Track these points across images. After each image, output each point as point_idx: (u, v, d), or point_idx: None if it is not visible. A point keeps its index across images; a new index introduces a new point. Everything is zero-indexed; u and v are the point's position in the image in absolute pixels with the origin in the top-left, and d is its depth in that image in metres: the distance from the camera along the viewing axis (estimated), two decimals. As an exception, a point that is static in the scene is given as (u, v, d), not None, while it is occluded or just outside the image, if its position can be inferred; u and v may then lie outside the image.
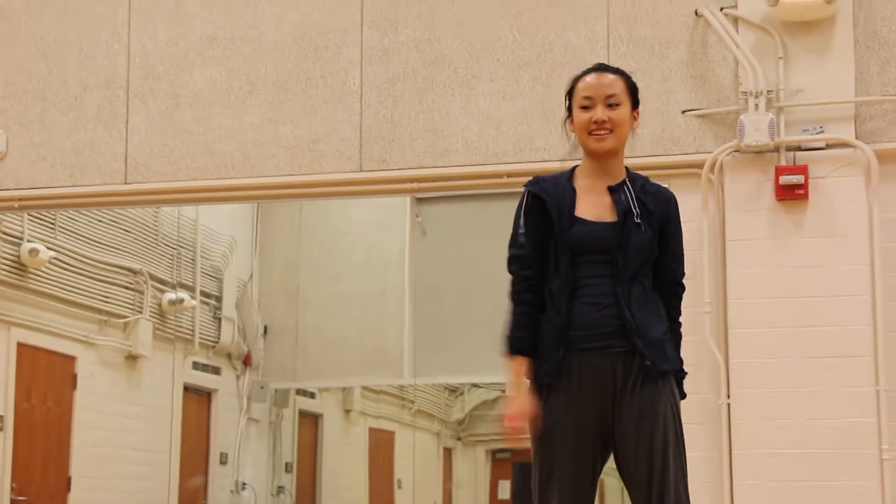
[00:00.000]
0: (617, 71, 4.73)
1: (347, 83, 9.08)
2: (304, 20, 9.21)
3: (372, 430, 16.68)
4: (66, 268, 12.21)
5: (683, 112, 8.59)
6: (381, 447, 16.87)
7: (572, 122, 4.65)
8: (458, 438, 17.08)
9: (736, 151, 8.41)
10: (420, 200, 11.73)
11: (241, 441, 14.90)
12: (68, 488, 12.23)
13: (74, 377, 12.40)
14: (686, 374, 4.59)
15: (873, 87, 8.36)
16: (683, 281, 4.67)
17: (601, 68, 4.70)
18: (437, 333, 12.76)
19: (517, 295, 4.62)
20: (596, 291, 4.49)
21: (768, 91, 8.35)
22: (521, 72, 8.86)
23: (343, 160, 9.03)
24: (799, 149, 8.32)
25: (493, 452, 16.79)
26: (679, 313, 4.67)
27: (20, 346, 11.59)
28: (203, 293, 14.35)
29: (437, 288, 12.48)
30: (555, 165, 8.40)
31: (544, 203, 4.56)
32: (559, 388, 4.46)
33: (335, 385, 15.63)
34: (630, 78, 4.73)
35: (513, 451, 16.41)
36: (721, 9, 8.53)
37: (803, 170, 8.28)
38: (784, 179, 8.23)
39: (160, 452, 13.55)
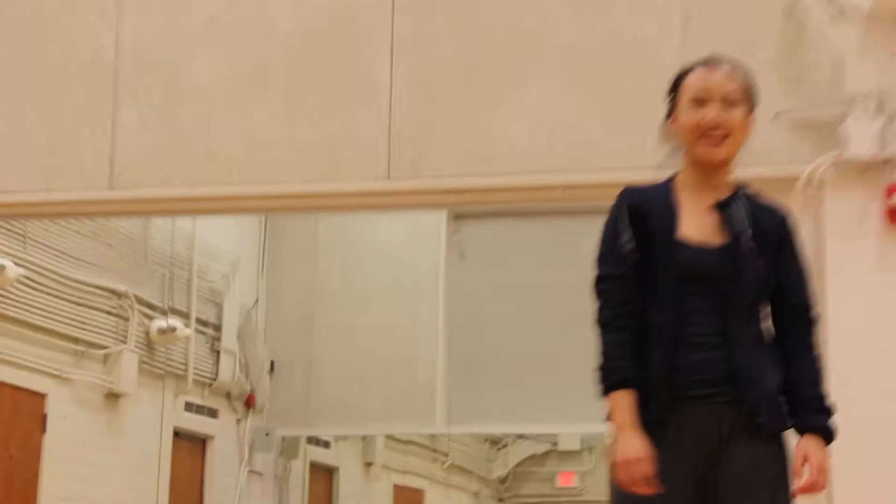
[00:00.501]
0: (736, 66, 4.62)
1: (374, 77, 9.13)
2: (324, 3, 9.27)
3: (397, 488, 16.74)
4: (38, 288, 12.29)
5: (775, 116, 8.60)
6: (408, 508, 16.95)
7: (674, 123, 4.59)
8: (501, 500, 17.15)
9: (838, 164, 8.41)
10: (458, 217, 11.76)
11: (241, 498, 14.94)
12: (34, 551, 12.29)
13: (44, 418, 12.46)
14: (829, 428, 4.56)
15: None
16: (813, 310, 4.61)
17: (716, 61, 4.59)
18: (475, 374, 12.78)
19: (614, 319, 4.48)
20: (700, 330, 4.42)
21: (879, 92, 8.35)
22: (579, 68, 8.89)
23: (368, 167, 9.08)
24: (913, 163, 8.32)
25: (543, 517, 16.83)
26: (815, 343, 4.60)
27: (-17, 381, 11.73)
28: (199, 321, 14.43)
29: (476, 320, 12.51)
30: (620, 178, 8.44)
31: (646, 218, 4.49)
32: (657, 440, 4.35)
33: (354, 433, 15.70)
34: (749, 76, 4.63)
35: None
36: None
37: (920, 193, 8.30)
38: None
39: (145, 509, 13.59)
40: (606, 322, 4.47)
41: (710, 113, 4.47)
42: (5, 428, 11.99)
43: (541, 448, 16.56)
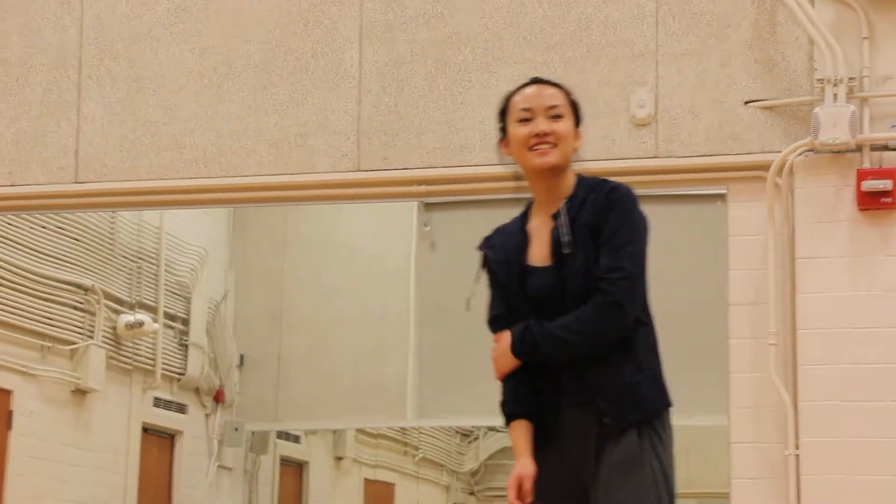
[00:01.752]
0: (556, 84, 4.78)
1: (343, 65, 9.10)
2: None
3: (368, 482, 16.73)
4: (2, 283, 12.24)
5: (746, 103, 8.60)
6: (378, 501, 16.93)
7: (506, 143, 4.72)
8: (472, 493, 17.12)
9: (809, 151, 8.41)
10: (429, 206, 11.71)
11: (210, 493, 14.91)
12: (2, 549, 12.23)
13: (10, 415, 12.39)
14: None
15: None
16: (616, 275, 4.55)
17: (539, 81, 4.78)
18: (447, 366, 12.75)
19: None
20: None
21: (850, 78, 8.35)
22: (551, 53, 8.87)
23: (337, 157, 9.05)
24: (886, 148, 8.32)
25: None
26: (590, 318, 4.57)
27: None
28: (167, 315, 14.38)
29: (447, 311, 12.47)
30: (592, 164, 8.40)
31: (494, 273, 4.76)
32: (545, 451, 4.62)
33: (324, 427, 15.68)
34: (571, 93, 4.78)
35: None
36: (794, -21, 8.54)
37: (892, 173, 8.28)
38: (867, 185, 8.23)
39: (113, 505, 13.53)
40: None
41: (539, 125, 4.62)
42: (-30, 426, 11.97)
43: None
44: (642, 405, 4.56)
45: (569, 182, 4.71)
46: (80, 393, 13.18)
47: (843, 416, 8.09)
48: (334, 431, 15.97)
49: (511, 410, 4.68)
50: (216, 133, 9.22)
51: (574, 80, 8.79)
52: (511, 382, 4.70)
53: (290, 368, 14.65)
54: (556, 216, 4.63)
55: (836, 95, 8.35)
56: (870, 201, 8.20)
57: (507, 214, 12.20)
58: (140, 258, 14.06)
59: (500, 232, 4.82)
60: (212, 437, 15.12)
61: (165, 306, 14.34)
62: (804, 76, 8.54)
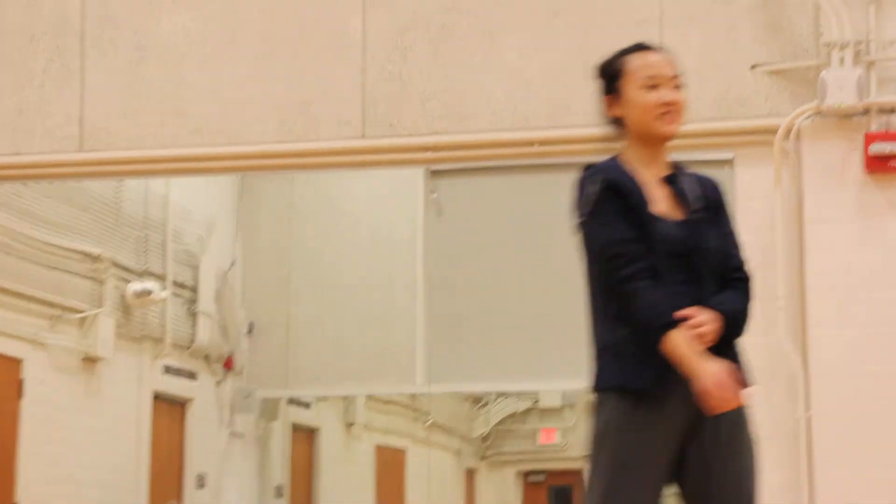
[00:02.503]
0: (668, 51, 4.76)
1: (348, 32, 9.08)
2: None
3: (379, 448, 16.77)
4: (11, 253, 12.23)
5: (753, 67, 8.59)
6: (389, 467, 16.98)
7: (615, 102, 4.67)
8: (483, 458, 17.16)
9: (816, 115, 8.41)
10: (435, 174, 11.70)
11: (222, 460, 14.95)
12: (14, 516, 12.24)
13: (21, 383, 12.42)
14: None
15: None
16: (747, 271, 4.73)
17: (653, 47, 4.73)
18: (455, 331, 12.77)
19: (638, 273, 4.52)
20: (678, 303, 4.51)
21: (856, 42, 8.35)
22: (555, 19, 8.85)
23: (343, 125, 9.04)
24: (893, 111, 8.32)
25: (525, 475, 16.89)
26: (746, 305, 4.68)
27: (-44, 347, 11.72)
28: (176, 283, 14.42)
29: (455, 277, 12.49)
30: (595, 133, 8.39)
31: (627, 196, 4.57)
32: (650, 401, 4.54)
33: (334, 393, 15.71)
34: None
35: (547, 473, 16.50)
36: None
37: (896, 137, 8.28)
38: (875, 148, 8.23)
39: (124, 473, 13.60)
40: (627, 280, 4.51)
41: (669, 94, 4.59)
42: (-19, 394, 12.00)
43: (522, 406, 16.58)
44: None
45: (664, 151, 4.72)
46: (90, 361, 13.21)
47: (853, 379, 8.12)
48: (344, 398, 16.01)
49: (670, 317, 4.47)
50: (220, 101, 9.21)
51: (578, 46, 8.80)
52: (657, 293, 4.50)
53: (299, 335, 14.68)
54: (671, 180, 4.64)
55: (842, 59, 8.34)
56: (877, 164, 8.20)
57: (513, 181, 12.15)
58: (147, 227, 14.07)
59: (612, 169, 4.65)
60: (222, 404, 15.17)
61: (173, 275, 14.39)
62: (810, 40, 8.52)
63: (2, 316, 12.15)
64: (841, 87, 8.29)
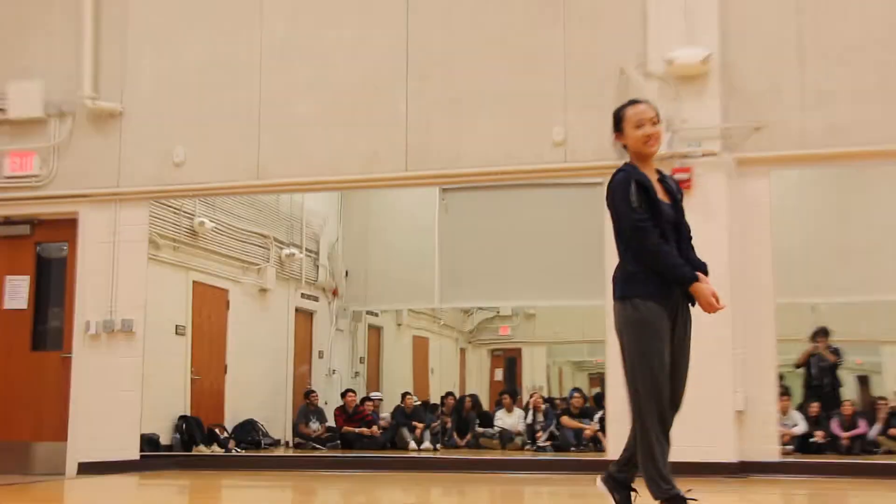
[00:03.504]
0: (649, 102, 4.51)
1: (398, 111, 9.07)
2: (368, 70, 9.20)
3: (415, 337, 16.73)
4: (222, 233, 12.27)
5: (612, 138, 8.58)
6: (420, 348, 16.91)
7: (621, 137, 4.43)
8: (469, 342, 17.17)
9: (645, 158, 8.40)
10: (445, 190, 11.72)
11: (332, 343, 14.98)
12: (225, 371, 12.33)
13: (228, 303, 12.47)
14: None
15: (732, 117, 8.35)
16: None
17: (640, 101, 4.48)
18: (454, 275, 12.76)
19: (657, 242, 4.24)
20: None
21: (667, 119, 8.34)
22: (513, 103, 8.83)
23: (395, 164, 9.04)
24: (685, 157, 8.31)
25: (492, 351, 16.80)
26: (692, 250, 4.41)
27: (195, 283, 11.71)
28: (307, 249, 14.41)
29: (457, 248, 12.48)
30: (525, 167, 8.40)
31: (647, 189, 4.29)
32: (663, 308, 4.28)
33: (391, 307, 15.68)
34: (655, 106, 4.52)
35: (504, 350, 16.38)
36: (636, 66, 8.50)
37: (688, 170, 8.28)
38: (677, 176, 8.23)
39: (281, 349, 13.64)
40: (659, 245, 4.24)
41: (649, 129, 4.35)
42: (207, 308, 12.02)
43: (491, 314, 16.54)
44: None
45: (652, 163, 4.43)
46: (263, 291, 13.25)
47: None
48: (396, 310, 15.93)
49: (688, 270, 4.24)
50: (330, 150, 9.21)
51: (527, 117, 8.74)
52: (676, 254, 4.26)
53: (373, 276, 14.61)
54: (662, 179, 4.39)
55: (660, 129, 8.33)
56: (684, 184, 8.23)
57: (493, 193, 11.87)
58: (292, 218, 14.07)
59: (635, 171, 4.32)
60: (332, 314, 15.14)
61: (306, 245, 14.37)
62: (643, 118, 8.52)
63: (218, 267, 12.21)
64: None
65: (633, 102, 4.46)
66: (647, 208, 4.25)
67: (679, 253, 4.28)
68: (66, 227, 9.67)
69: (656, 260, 4.23)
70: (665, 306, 4.24)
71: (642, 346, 4.20)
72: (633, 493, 4.44)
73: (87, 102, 9.49)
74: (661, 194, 4.33)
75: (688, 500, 4.15)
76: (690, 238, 4.42)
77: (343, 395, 13.04)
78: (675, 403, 4.27)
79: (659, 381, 4.18)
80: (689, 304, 4.32)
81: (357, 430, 12.46)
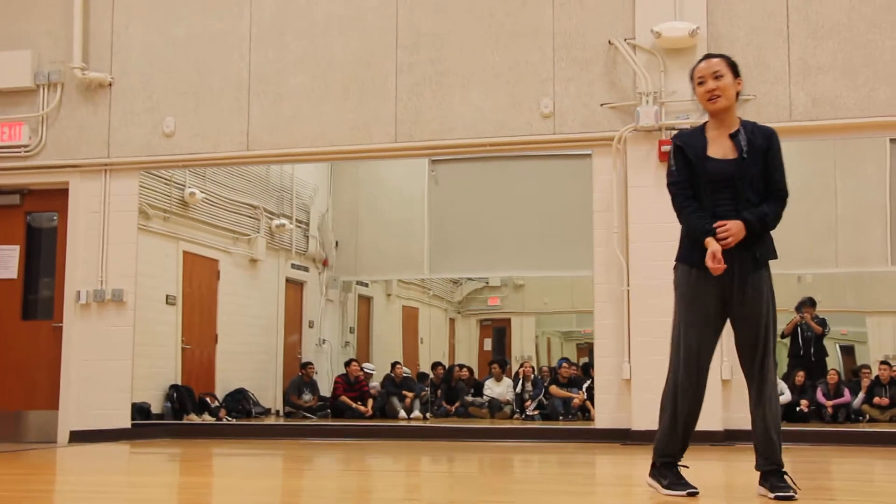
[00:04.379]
0: (720, 55, 4.35)
1: (388, 85, 9.07)
2: (359, 46, 9.19)
3: (404, 307, 16.79)
4: (213, 204, 12.27)
5: (602, 105, 8.61)
6: (410, 318, 16.97)
7: (696, 96, 4.36)
8: (459, 312, 17.25)
9: (634, 130, 8.44)
10: (434, 161, 11.74)
11: (322, 313, 15.02)
12: (216, 340, 12.38)
13: (218, 273, 12.51)
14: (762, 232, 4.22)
15: (722, 89, 8.38)
16: (784, 189, 4.25)
17: (707, 56, 4.36)
18: (445, 245, 12.80)
19: (686, 202, 4.24)
20: (724, 209, 4.20)
21: (654, 92, 8.38)
22: (497, 78, 8.85)
23: (384, 135, 9.04)
24: (672, 129, 8.33)
25: (481, 321, 16.86)
26: (774, 206, 4.21)
27: (185, 253, 11.72)
28: (297, 220, 14.41)
29: (445, 218, 12.52)
30: (514, 139, 8.44)
31: (684, 150, 4.26)
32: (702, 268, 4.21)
33: (381, 278, 15.71)
34: (730, 58, 4.34)
35: (492, 321, 16.45)
36: (625, 39, 8.52)
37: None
38: (664, 147, 8.29)
39: (271, 319, 13.68)
40: (682, 207, 4.25)
41: (711, 85, 4.24)
42: (198, 278, 12.04)
43: (480, 284, 16.57)
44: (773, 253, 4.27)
45: (734, 115, 4.28)
46: (253, 261, 13.27)
47: (653, 269, 8.13)
48: (386, 280, 15.98)
49: (709, 226, 4.15)
50: (322, 123, 9.22)
51: (511, 91, 8.76)
52: (700, 213, 4.19)
53: (363, 247, 14.63)
54: (734, 135, 4.22)
55: (647, 101, 8.37)
56: (664, 156, 8.24)
57: (477, 163, 11.95)
58: (282, 189, 14.06)
59: (686, 135, 4.32)
60: (322, 284, 15.16)
61: (296, 216, 14.36)
62: (631, 91, 8.55)
63: (208, 237, 12.22)
64: (647, 115, 8.34)
65: (702, 59, 4.34)
66: (686, 170, 4.21)
67: (734, 209, 4.17)
68: (57, 197, 9.67)
69: (681, 220, 4.25)
70: (705, 269, 4.15)
71: (676, 309, 4.26)
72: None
73: (76, 72, 9.45)
74: (721, 151, 4.23)
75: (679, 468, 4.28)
76: (775, 191, 4.21)
77: (347, 364, 13.08)
78: (748, 373, 4.17)
79: (681, 346, 4.20)
80: (756, 264, 4.19)
81: (354, 404, 12.50)
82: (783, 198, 4.25)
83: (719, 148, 4.24)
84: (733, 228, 4.13)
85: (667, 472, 4.25)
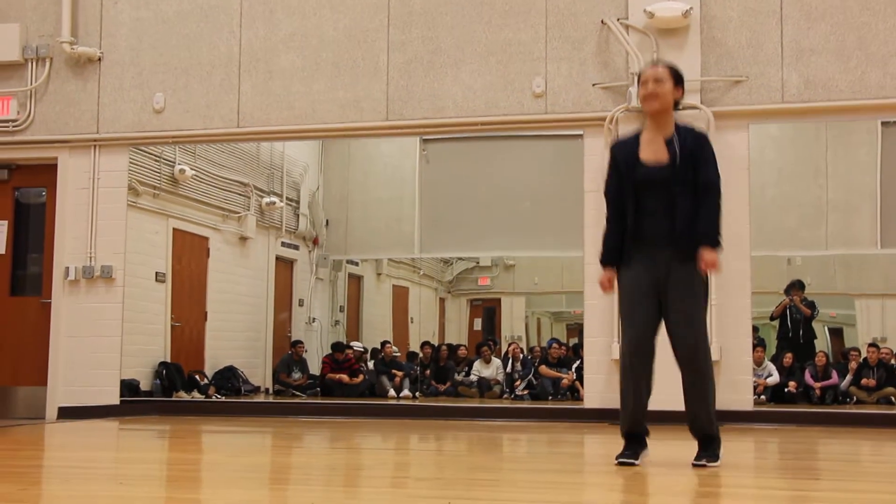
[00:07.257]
0: (667, 65, 4.56)
1: (379, 63, 9.05)
2: (351, 23, 9.16)
3: (394, 287, 16.82)
4: (203, 181, 12.26)
5: (594, 85, 8.60)
6: (400, 297, 17.00)
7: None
8: (449, 292, 17.31)
9: (626, 110, 8.43)
10: (425, 140, 11.74)
11: (312, 291, 15.02)
12: (205, 318, 12.39)
13: (208, 250, 12.51)
14: (718, 244, 4.42)
15: (711, 71, 8.38)
16: (710, 184, 4.41)
17: (653, 63, 4.61)
18: (436, 225, 12.82)
19: (610, 220, 4.50)
20: (652, 209, 4.40)
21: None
22: (490, 57, 8.83)
23: (376, 113, 9.03)
24: (666, 109, 8.33)
25: (471, 301, 16.90)
26: (710, 200, 4.39)
27: (175, 230, 11.71)
28: (288, 198, 14.40)
29: (436, 197, 12.53)
30: (506, 118, 8.43)
31: (616, 158, 4.47)
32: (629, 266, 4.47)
33: (371, 257, 15.73)
34: (676, 69, 4.54)
35: (482, 300, 16.50)
36: (618, 19, 8.51)
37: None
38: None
39: (261, 297, 13.70)
40: (607, 221, 4.51)
41: (649, 88, 4.41)
42: (188, 255, 12.05)
43: (470, 264, 16.57)
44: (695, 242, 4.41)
45: (670, 121, 4.43)
46: (243, 239, 13.27)
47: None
48: (377, 259, 15.99)
49: (610, 261, 4.46)
50: (312, 101, 9.20)
51: (503, 71, 8.75)
52: (610, 236, 4.45)
53: (353, 225, 14.64)
54: (669, 141, 4.37)
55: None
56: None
57: (468, 143, 11.98)
58: (272, 167, 14.04)
59: (622, 142, 4.50)
60: (312, 263, 15.16)
61: (287, 193, 14.35)
62: (623, 71, 8.55)
63: (198, 215, 12.21)
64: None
65: (650, 65, 4.58)
66: (616, 180, 4.43)
67: (668, 217, 4.32)
68: (45, 173, 9.63)
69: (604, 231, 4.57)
70: (635, 267, 4.44)
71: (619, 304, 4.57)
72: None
73: (65, 47, 9.40)
74: (654, 156, 4.36)
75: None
76: (705, 188, 4.36)
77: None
78: (678, 359, 4.51)
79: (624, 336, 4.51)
80: (684, 261, 4.37)
81: (337, 377, 12.54)
82: (714, 189, 4.41)
83: (652, 153, 4.37)
84: (708, 261, 4.33)
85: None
